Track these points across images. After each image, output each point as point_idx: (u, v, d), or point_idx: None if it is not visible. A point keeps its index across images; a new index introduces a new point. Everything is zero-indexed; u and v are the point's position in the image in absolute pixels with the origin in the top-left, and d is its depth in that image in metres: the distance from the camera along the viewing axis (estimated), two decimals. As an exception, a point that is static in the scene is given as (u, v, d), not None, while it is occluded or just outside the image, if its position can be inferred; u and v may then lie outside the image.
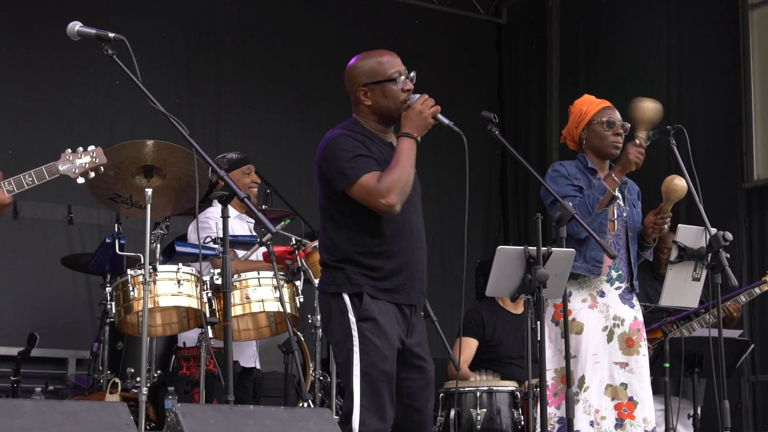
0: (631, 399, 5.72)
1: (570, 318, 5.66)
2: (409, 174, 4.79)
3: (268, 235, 5.07)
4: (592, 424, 5.68)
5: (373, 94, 4.92)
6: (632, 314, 5.85)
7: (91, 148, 4.80)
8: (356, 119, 4.95)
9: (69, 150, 4.75)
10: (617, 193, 5.86)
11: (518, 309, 7.77)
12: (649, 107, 5.86)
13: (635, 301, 5.90)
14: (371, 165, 4.74)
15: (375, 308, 4.70)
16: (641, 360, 5.79)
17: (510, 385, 7.02)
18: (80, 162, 4.77)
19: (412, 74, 5.00)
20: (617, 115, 5.92)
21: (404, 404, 4.77)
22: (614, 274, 5.84)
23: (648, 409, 5.75)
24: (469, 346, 7.78)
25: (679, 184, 5.82)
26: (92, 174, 4.81)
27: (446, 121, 4.93)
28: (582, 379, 5.70)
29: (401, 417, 4.77)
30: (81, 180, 4.83)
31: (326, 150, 4.80)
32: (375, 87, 4.92)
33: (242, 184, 7.10)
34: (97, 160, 4.80)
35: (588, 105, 5.97)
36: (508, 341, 7.70)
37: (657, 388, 7.34)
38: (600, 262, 5.78)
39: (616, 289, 5.84)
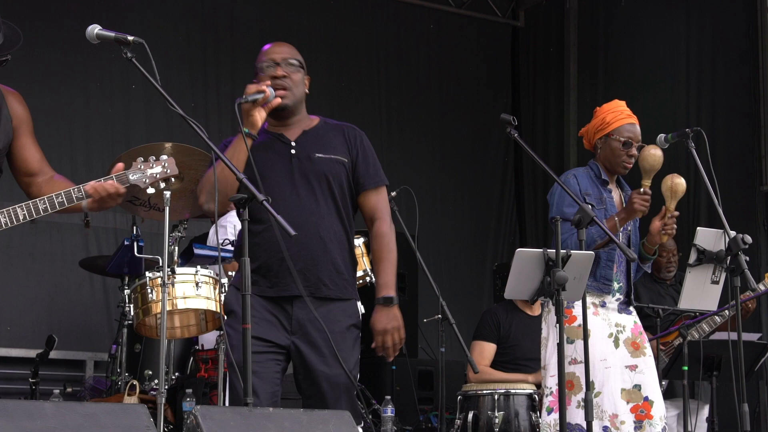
0: (646, 399, 5.71)
1: (576, 324, 5.67)
2: (221, 172, 4.48)
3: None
4: (606, 429, 5.67)
5: None
6: (631, 320, 5.87)
7: (164, 157, 4.70)
8: None
9: (141, 158, 4.66)
10: (623, 205, 5.86)
11: (535, 311, 7.75)
12: (655, 155, 5.78)
13: (631, 308, 5.92)
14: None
15: (236, 298, 4.55)
16: (648, 360, 5.81)
17: (528, 388, 7.02)
18: (151, 172, 4.67)
19: (289, 62, 4.81)
20: (637, 134, 5.90)
21: (308, 406, 4.65)
22: (615, 285, 5.85)
23: (660, 407, 5.75)
24: (487, 349, 7.76)
25: (680, 181, 5.79)
26: (162, 184, 4.70)
27: (249, 98, 4.67)
28: (591, 384, 5.68)
29: None
30: (151, 190, 4.71)
31: None
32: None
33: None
34: (169, 171, 4.70)
35: (613, 116, 5.93)
36: (524, 343, 7.67)
37: (673, 392, 7.35)
38: (609, 280, 5.79)
39: (616, 300, 5.85)
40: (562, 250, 5.21)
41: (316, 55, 10.31)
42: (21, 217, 4.51)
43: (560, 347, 5.28)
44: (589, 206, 5.41)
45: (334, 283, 4.73)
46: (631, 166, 5.88)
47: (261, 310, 4.64)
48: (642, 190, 5.72)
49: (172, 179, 4.76)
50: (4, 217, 4.49)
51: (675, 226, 5.81)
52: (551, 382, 5.69)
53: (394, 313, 4.71)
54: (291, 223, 4.37)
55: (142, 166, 4.68)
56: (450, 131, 11.00)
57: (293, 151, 4.77)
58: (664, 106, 9.85)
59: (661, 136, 6.00)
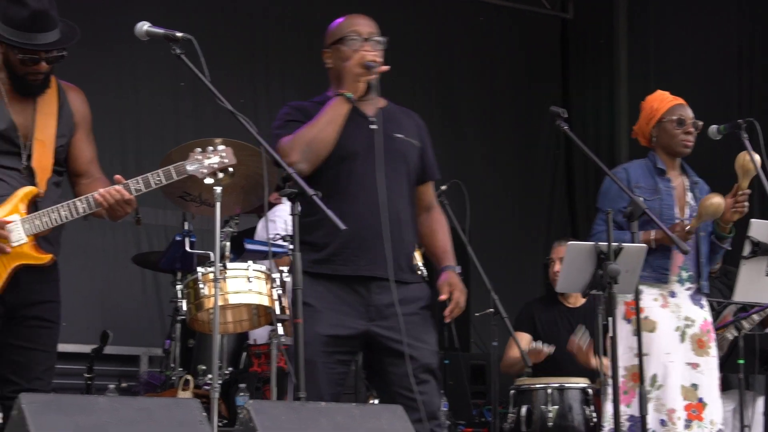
0: (700, 400, 5.68)
1: (642, 316, 5.62)
2: (319, 131, 4.51)
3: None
4: (663, 422, 5.64)
5: (333, 55, 4.77)
6: (702, 315, 5.80)
7: (221, 147, 4.68)
8: (327, 92, 4.80)
9: (198, 149, 4.66)
10: (688, 193, 5.82)
11: (577, 302, 7.70)
12: (716, 203, 5.70)
13: (704, 302, 5.85)
14: (295, 129, 4.57)
15: (309, 288, 4.40)
16: (711, 361, 5.75)
17: (582, 382, 6.98)
18: (209, 162, 4.66)
19: (379, 40, 4.71)
20: (689, 113, 5.86)
21: (393, 392, 4.56)
22: (684, 274, 5.80)
23: (715, 411, 5.70)
24: (522, 338, 7.68)
25: (755, 157, 5.72)
26: (221, 175, 4.69)
27: (370, 60, 4.58)
28: (654, 378, 5.65)
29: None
30: (209, 180, 4.71)
31: None
32: (334, 48, 4.77)
33: None
34: (227, 160, 4.69)
35: (659, 102, 5.91)
36: (558, 336, 7.59)
37: (728, 385, 7.29)
38: (667, 270, 5.74)
39: (687, 290, 5.80)
40: (614, 243, 5.19)
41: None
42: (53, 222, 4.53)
43: (613, 340, 5.27)
44: (641, 198, 5.38)
45: (409, 266, 4.67)
46: (692, 144, 5.83)
47: (332, 299, 4.55)
48: (687, 228, 5.65)
49: (230, 169, 4.74)
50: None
51: (747, 204, 5.74)
52: (619, 374, 5.66)
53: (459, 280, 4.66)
54: (371, 202, 4.44)
55: (200, 157, 4.68)
56: (500, 124, 10.97)
57: (373, 127, 4.68)
58: (716, 96, 9.75)
59: (713, 127, 5.96)
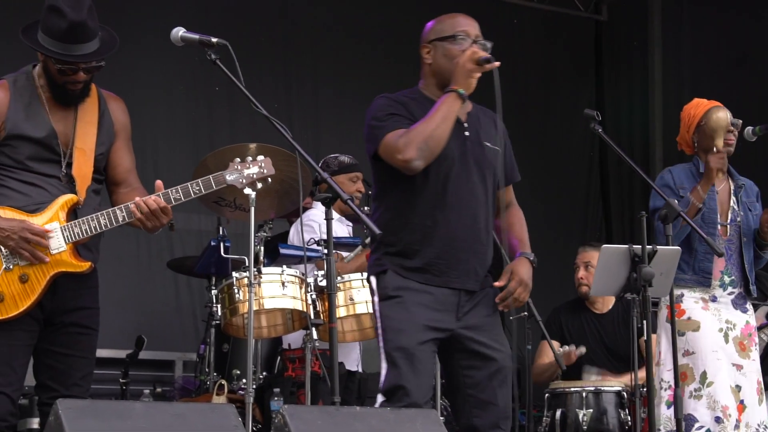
0: (741, 402, 5.66)
1: (685, 317, 5.63)
2: (436, 127, 4.39)
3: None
4: (718, 420, 5.62)
5: (435, 52, 4.66)
6: (744, 318, 5.79)
7: (261, 157, 4.72)
8: (419, 86, 4.72)
9: (237, 159, 4.68)
10: (732, 197, 5.81)
11: (604, 307, 7.66)
12: (721, 116, 5.74)
13: (749, 305, 5.83)
14: (401, 123, 4.46)
15: (401, 284, 4.42)
16: (752, 365, 5.75)
17: (617, 385, 6.95)
18: (248, 172, 4.70)
19: (486, 43, 4.61)
20: (727, 116, 5.85)
21: (467, 395, 4.51)
22: (727, 279, 5.78)
23: (754, 414, 5.67)
24: (553, 346, 7.66)
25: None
26: (260, 185, 4.74)
27: (485, 55, 4.49)
28: (704, 375, 5.64)
29: (467, 411, 4.51)
30: (248, 191, 4.79)
31: (366, 114, 4.59)
32: (437, 44, 4.64)
33: (349, 191, 7.10)
34: (266, 171, 4.73)
35: (696, 108, 5.92)
36: (586, 342, 7.56)
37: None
38: (709, 273, 5.73)
39: (729, 294, 5.78)
40: (648, 246, 5.17)
41: (397, 51, 10.29)
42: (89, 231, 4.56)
43: (647, 344, 5.25)
44: (675, 201, 5.36)
45: (488, 274, 4.64)
46: (733, 142, 5.82)
47: (425, 297, 4.46)
48: (715, 150, 5.67)
49: (269, 179, 4.77)
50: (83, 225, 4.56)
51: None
52: (668, 375, 5.64)
53: (531, 272, 4.62)
54: (464, 212, 4.42)
55: (239, 167, 4.70)
56: (533, 127, 10.93)
57: (467, 133, 4.63)
58: (751, 98, 9.70)
59: (749, 128, 5.95)
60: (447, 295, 4.47)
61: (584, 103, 10.88)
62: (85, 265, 4.59)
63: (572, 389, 6.95)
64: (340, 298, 6.20)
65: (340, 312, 6.20)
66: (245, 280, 5.95)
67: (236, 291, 6.05)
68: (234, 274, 6.15)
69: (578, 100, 11.06)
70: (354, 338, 6.63)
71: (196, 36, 4.64)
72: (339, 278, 6.22)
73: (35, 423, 6.86)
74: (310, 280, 6.15)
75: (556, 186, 11.03)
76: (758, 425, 5.71)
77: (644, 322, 5.24)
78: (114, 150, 4.76)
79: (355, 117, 9.99)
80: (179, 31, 4.69)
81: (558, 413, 6.92)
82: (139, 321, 8.89)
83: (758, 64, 10.03)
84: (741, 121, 5.86)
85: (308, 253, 6.12)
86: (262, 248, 6.38)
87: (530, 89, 11.07)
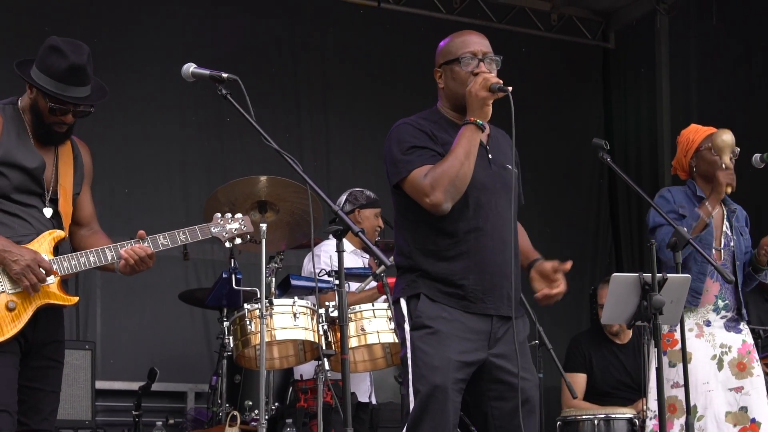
0: (753, 420, 5.67)
1: (677, 347, 5.63)
2: (461, 166, 4.32)
3: (382, 267, 5.07)
4: None
5: (445, 75, 4.62)
6: (740, 339, 5.81)
7: (239, 215, 4.97)
8: (437, 107, 4.66)
9: (218, 215, 4.93)
10: (725, 222, 5.83)
11: (625, 338, 7.68)
12: (727, 138, 5.80)
13: (743, 326, 5.84)
14: (425, 158, 4.38)
15: (434, 312, 4.35)
16: (756, 381, 5.75)
17: (628, 413, 6.96)
18: (230, 227, 4.93)
19: (492, 58, 4.59)
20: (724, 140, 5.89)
21: (495, 426, 4.45)
22: (721, 303, 5.80)
23: (771, 427, 5.69)
24: (579, 380, 7.66)
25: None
26: (239, 240, 4.96)
27: (497, 82, 4.44)
28: (694, 408, 5.64)
29: None
30: (228, 244, 4.98)
31: (387, 140, 4.52)
32: (446, 68, 4.60)
33: (372, 225, 7.16)
34: (245, 228, 4.95)
35: (695, 133, 5.96)
36: (611, 373, 7.57)
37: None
38: (699, 293, 5.76)
39: (722, 318, 5.80)
40: (658, 274, 5.18)
41: (406, 79, 10.33)
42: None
43: (659, 372, 5.25)
44: (684, 229, 5.38)
45: (520, 300, 4.64)
46: (731, 167, 5.84)
47: (458, 326, 4.39)
48: (723, 165, 5.71)
49: (248, 237, 5.02)
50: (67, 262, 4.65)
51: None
52: (654, 405, 5.65)
53: None
54: (497, 237, 4.40)
55: (222, 221, 4.93)
56: (543, 154, 10.95)
57: (490, 156, 4.59)
58: (759, 125, 9.71)
59: (757, 155, 5.98)
60: (479, 323, 4.40)
61: (593, 130, 10.90)
62: (73, 300, 4.71)
63: (584, 417, 6.97)
64: (351, 328, 6.21)
65: (352, 342, 6.20)
66: (257, 312, 5.98)
67: (248, 322, 6.08)
68: (246, 305, 6.18)
69: (587, 128, 11.08)
70: (365, 368, 6.64)
71: (206, 71, 4.69)
72: (350, 309, 6.25)
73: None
74: (321, 311, 6.16)
75: (566, 213, 11.03)
76: None
77: (656, 349, 5.25)
78: (82, 193, 4.90)
79: (366, 146, 10.14)
80: (190, 67, 4.74)
81: (570, 441, 6.93)
82: (152, 352, 8.91)
83: (767, 91, 10.04)
84: (739, 149, 5.89)
85: (319, 285, 6.15)
86: (274, 279, 6.41)
87: (539, 117, 11.09)
